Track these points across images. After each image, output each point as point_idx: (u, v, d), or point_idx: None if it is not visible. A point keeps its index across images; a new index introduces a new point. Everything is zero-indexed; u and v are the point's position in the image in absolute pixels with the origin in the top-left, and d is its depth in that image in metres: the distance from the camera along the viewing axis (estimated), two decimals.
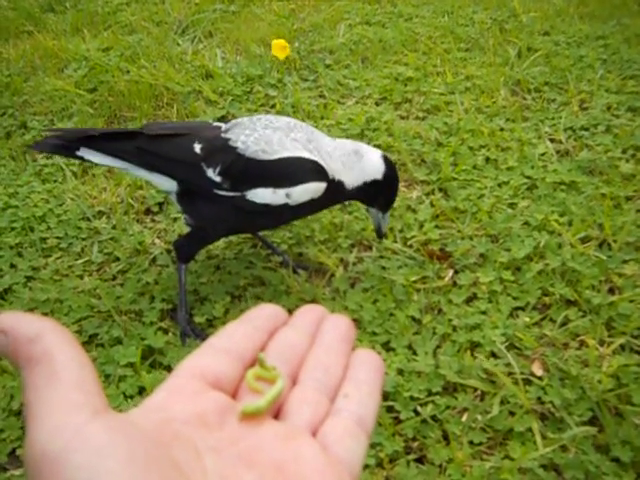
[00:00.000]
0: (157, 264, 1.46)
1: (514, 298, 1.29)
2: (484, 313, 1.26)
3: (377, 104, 2.04)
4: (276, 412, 0.37)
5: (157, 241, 1.54)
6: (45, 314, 1.31)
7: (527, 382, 1.13)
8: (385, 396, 1.11)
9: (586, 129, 1.83)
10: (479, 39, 2.40)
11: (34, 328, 0.32)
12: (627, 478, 0.98)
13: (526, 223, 1.48)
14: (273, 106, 2.04)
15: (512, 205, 1.55)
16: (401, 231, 1.49)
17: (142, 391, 1.16)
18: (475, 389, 1.13)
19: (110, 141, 1.24)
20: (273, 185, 1.19)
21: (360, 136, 1.84)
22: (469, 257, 1.40)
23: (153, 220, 1.62)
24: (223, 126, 1.27)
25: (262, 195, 1.19)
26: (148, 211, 1.65)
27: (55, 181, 1.77)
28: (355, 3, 2.80)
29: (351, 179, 1.26)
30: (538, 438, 1.04)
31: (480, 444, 1.05)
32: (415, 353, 1.19)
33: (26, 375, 0.31)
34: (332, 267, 1.41)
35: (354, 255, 1.44)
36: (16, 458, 1.09)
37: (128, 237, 1.53)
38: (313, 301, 1.31)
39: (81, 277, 1.45)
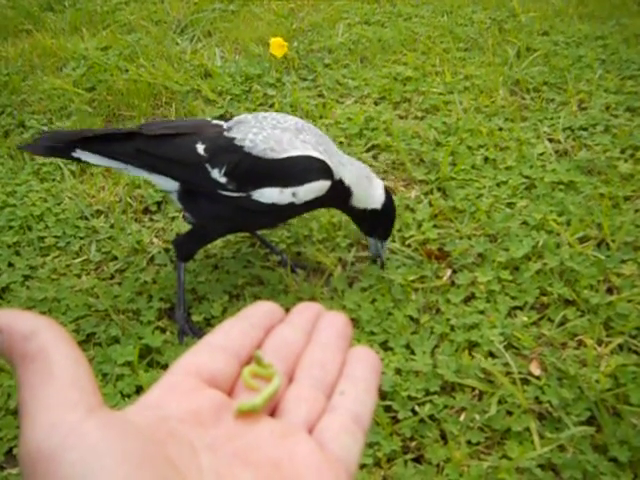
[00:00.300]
0: (155, 263, 1.46)
1: (512, 298, 1.29)
2: (482, 313, 1.26)
3: (376, 104, 2.04)
4: (272, 409, 0.37)
5: (155, 240, 1.53)
6: (43, 313, 1.31)
7: (525, 382, 1.13)
8: (383, 395, 1.11)
9: (585, 129, 1.83)
10: (478, 39, 2.40)
11: (29, 325, 0.31)
12: (625, 478, 0.97)
13: (524, 223, 1.48)
14: (272, 105, 2.04)
15: (510, 205, 1.55)
16: (399, 230, 1.49)
17: (139, 390, 1.16)
18: (473, 389, 1.13)
19: (107, 142, 1.20)
20: (280, 184, 1.17)
21: (359, 135, 1.84)
22: (467, 257, 1.40)
23: (151, 219, 1.61)
24: (224, 124, 1.24)
25: (269, 195, 1.18)
26: (146, 210, 1.65)
27: (53, 180, 1.76)
28: (354, 3, 2.80)
29: (360, 197, 1.28)
30: (536, 438, 1.04)
31: (478, 444, 1.04)
32: (413, 353, 1.19)
33: (21, 373, 0.31)
34: (330, 266, 1.41)
35: (352, 254, 1.44)
36: (13, 457, 1.08)
37: (126, 236, 1.53)
38: (311, 300, 1.31)
39: (79, 276, 1.44)
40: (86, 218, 1.61)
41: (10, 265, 1.47)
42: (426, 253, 1.42)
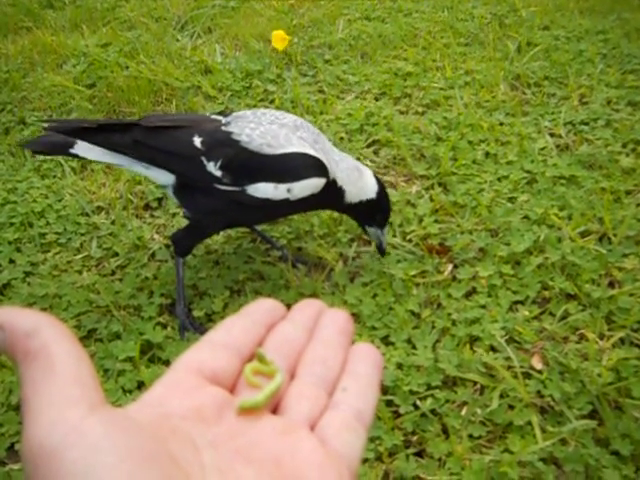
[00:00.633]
0: (156, 259, 1.46)
1: (514, 292, 1.29)
2: (484, 307, 1.26)
3: (376, 99, 2.03)
4: (274, 407, 0.37)
5: (156, 236, 1.53)
6: (44, 309, 1.31)
7: (527, 376, 1.13)
8: (384, 390, 1.11)
9: (586, 123, 1.82)
10: (479, 34, 2.39)
11: (31, 323, 0.31)
12: (627, 471, 0.98)
13: (526, 217, 1.48)
14: (272, 101, 2.04)
15: (512, 199, 1.55)
16: (400, 225, 1.49)
17: (141, 385, 1.16)
18: (475, 383, 1.13)
19: (106, 133, 1.20)
20: (275, 180, 1.18)
21: (359, 131, 1.84)
22: (468, 251, 1.40)
23: (152, 215, 1.61)
24: (223, 119, 1.24)
25: (263, 190, 1.18)
26: (147, 206, 1.65)
27: (54, 177, 1.76)
28: None
29: (352, 193, 1.28)
30: (538, 432, 1.04)
31: (479, 438, 1.05)
32: (414, 347, 1.19)
33: (23, 370, 0.31)
34: (331, 261, 1.41)
35: (353, 249, 1.44)
36: (15, 452, 1.09)
37: (127, 232, 1.53)
38: (312, 295, 1.32)
39: (80, 272, 1.44)
40: (87, 214, 1.61)
41: (11, 262, 1.48)
42: (427, 248, 1.42)
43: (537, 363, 1.16)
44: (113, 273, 1.44)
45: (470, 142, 1.76)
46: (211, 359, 0.36)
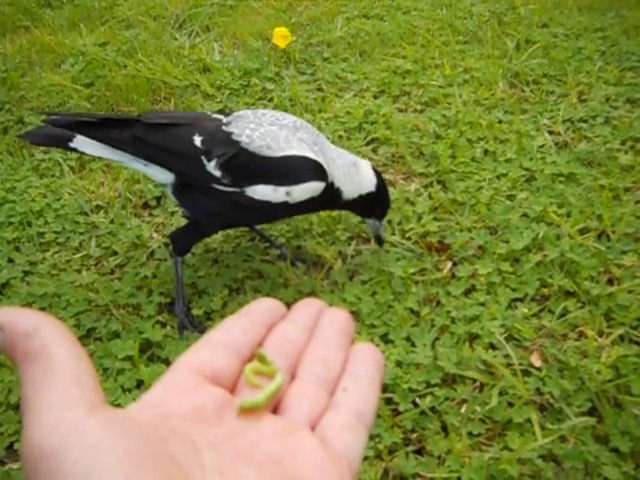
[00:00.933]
0: (155, 258, 1.46)
1: (513, 289, 1.29)
2: (483, 305, 1.26)
3: (375, 97, 2.03)
4: (274, 407, 0.37)
5: (155, 235, 1.53)
6: (43, 308, 1.31)
7: (526, 373, 1.13)
8: (384, 388, 1.11)
9: (585, 121, 1.82)
10: (477, 32, 2.39)
11: (31, 323, 0.31)
12: (626, 468, 0.98)
13: (525, 215, 1.48)
14: (271, 99, 2.03)
15: (511, 197, 1.55)
16: (399, 223, 1.49)
17: (140, 384, 1.16)
18: (474, 380, 1.14)
19: (105, 128, 1.20)
20: (274, 182, 1.17)
21: (358, 129, 1.84)
22: (468, 249, 1.40)
23: (151, 214, 1.61)
24: (224, 118, 1.24)
25: (262, 192, 1.18)
26: (146, 205, 1.65)
27: (52, 176, 1.76)
28: None
29: (349, 191, 1.27)
30: (537, 429, 1.04)
31: (479, 435, 1.05)
32: (414, 345, 1.19)
33: (23, 370, 0.31)
34: (330, 260, 1.41)
35: (352, 248, 1.44)
36: (14, 452, 1.09)
37: (126, 231, 1.53)
38: (311, 294, 1.32)
39: (79, 271, 1.44)
40: (86, 213, 1.61)
41: (10, 261, 1.48)
42: (426, 246, 1.42)
43: (536, 360, 1.16)
44: (112, 272, 1.44)
45: (469, 140, 1.76)
46: (211, 359, 0.36)
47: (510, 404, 1.09)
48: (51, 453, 0.27)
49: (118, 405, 1.10)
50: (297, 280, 1.36)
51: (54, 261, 1.46)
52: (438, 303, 1.29)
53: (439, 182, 1.63)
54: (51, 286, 1.37)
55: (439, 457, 1.02)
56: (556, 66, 2.10)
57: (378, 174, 1.31)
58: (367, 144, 1.79)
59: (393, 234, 1.46)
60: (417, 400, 1.10)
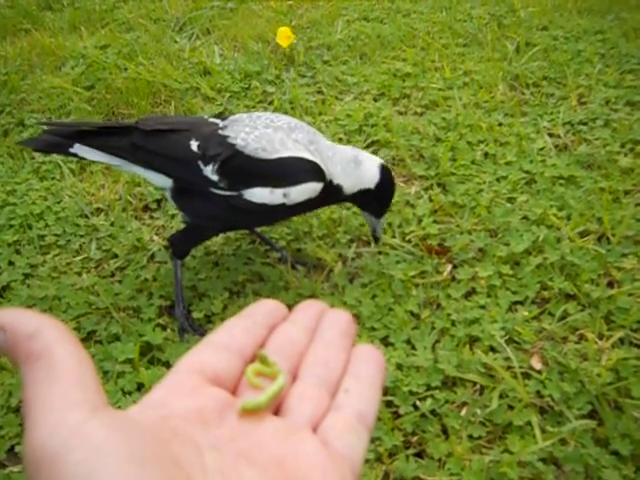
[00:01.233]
0: (155, 261, 1.46)
1: (513, 292, 1.29)
2: (483, 307, 1.26)
3: (375, 100, 2.03)
4: (276, 408, 0.37)
5: (155, 238, 1.53)
6: (43, 311, 1.31)
7: (526, 376, 1.13)
8: (384, 391, 1.11)
9: (584, 123, 1.83)
10: (477, 34, 2.39)
11: (33, 324, 0.31)
12: (626, 471, 0.98)
13: (525, 217, 1.48)
14: (271, 102, 2.04)
15: (511, 200, 1.55)
16: (400, 226, 1.49)
17: (141, 387, 1.16)
18: (474, 383, 1.14)
19: (104, 137, 1.21)
20: (271, 185, 1.17)
21: (358, 132, 1.84)
22: (468, 252, 1.40)
23: (151, 217, 1.61)
24: (220, 123, 1.25)
25: (259, 195, 1.18)
26: (146, 208, 1.65)
27: (53, 178, 1.76)
28: None
29: (348, 185, 1.27)
30: (537, 432, 1.04)
31: (479, 438, 1.05)
32: (414, 348, 1.19)
33: (25, 372, 0.31)
34: (331, 262, 1.41)
35: (353, 250, 1.44)
36: (15, 455, 1.08)
37: (126, 234, 1.53)
38: (312, 296, 1.32)
39: (79, 274, 1.44)
40: (86, 216, 1.61)
41: (10, 264, 1.48)
42: (426, 248, 1.42)
43: (536, 363, 1.16)
44: (112, 275, 1.44)
45: (469, 142, 1.76)
46: (213, 360, 0.36)
47: (510, 407, 1.09)
48: (53, 454, 0.27)
49: (119, 408, 1.10)
50: (297, 283, 1.36)
51: (54, 264, 1.46)
52: (438, 306, 1.29)
53: (439, 185, 1.63)
54: (51, 289, 1.37)
55: (439, 460, 1.02)
56: (556, 69, 2.11)
57: (385, 174, 1.29)
58: (367, 147, 1.79)
59: (393, 237, 1.46)
60: (417, 403, 1.10)
